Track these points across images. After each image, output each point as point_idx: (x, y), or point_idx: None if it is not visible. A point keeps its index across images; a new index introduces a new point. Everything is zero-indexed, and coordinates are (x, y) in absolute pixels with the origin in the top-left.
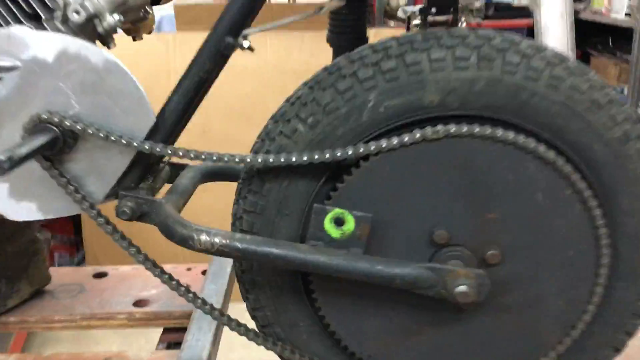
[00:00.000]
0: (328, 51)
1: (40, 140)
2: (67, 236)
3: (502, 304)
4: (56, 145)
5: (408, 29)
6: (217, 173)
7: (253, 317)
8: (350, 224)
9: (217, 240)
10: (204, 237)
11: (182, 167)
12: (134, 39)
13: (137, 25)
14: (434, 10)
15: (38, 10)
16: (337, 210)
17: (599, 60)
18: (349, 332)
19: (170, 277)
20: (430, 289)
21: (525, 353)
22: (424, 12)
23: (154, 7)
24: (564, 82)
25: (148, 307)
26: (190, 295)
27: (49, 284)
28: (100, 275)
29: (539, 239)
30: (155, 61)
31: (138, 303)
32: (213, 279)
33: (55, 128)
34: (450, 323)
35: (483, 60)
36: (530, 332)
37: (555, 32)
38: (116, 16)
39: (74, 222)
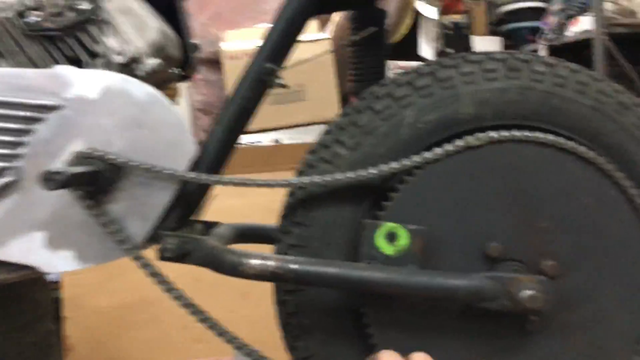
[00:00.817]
0: None
1: (83, 168)
2: None
3: (567, 322)
4: (98, 180)
5: None
6: (250, 233)
7: None
8: (404, 239)
9: (270, 263)
10: (255, 261)
11: (215, 224)
12: None
13: (163, 88)
14: None
15: (79, 55)
16: (389, 225)
17: None
18: None
19: (214, 322)
20: (495, 300)
21: None
22: None
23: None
24: (590, 86)
25: None
26: (237, 340)
27: None
28: None
29: (592, 245)
30: None
31: None
32: None
33: (97, 162)
34: (517, 349)
35: (511, 71)
36: (600, 352)
37: None
38: (157, 60)
39: None
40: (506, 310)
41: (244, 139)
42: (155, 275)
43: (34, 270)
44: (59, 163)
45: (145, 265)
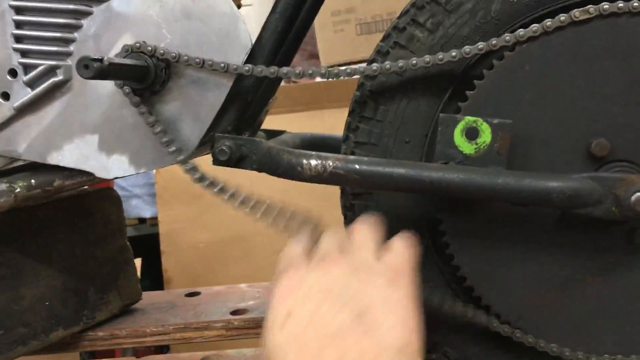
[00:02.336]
0: None
1: (131, 61)
2: None
3: None
4: (147, 77)
5: None
6: (318, 143)
7: None
8: (486, 135)
9: (329, 163)
10: (314, 162)
11: (280, 133)
12: None
13: None
14: None
15: None
16: (468, 119)
17: None
18: (491, 287)
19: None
20: (598, 204)
21: None
22: None
23: None
24: None
25: (246, 314)
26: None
27: (138, 303)
28: (192, 294)
29: None
30: None
31: (235, 312)
32: None
33: (147, 58)
34: (624, 266)
35: None
36: None
37: None
38: None
39: None
40: (612, 218)
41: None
42: (202, 179)
43: (90, 177)
44: None
45: (192, 170)
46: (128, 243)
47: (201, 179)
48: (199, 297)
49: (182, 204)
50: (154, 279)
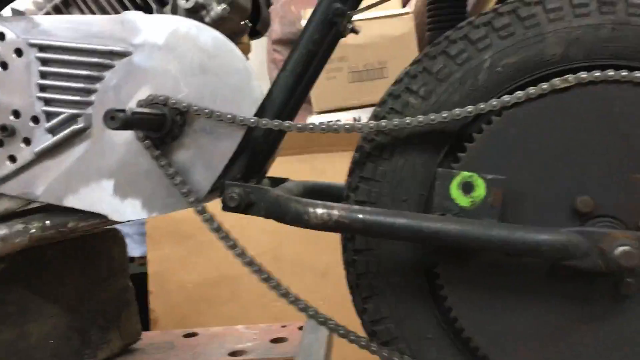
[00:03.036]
0: None
1: (146, 109)
2: None
3: None
4: (163, 126)
5: None
6: (320, 191)
7: (371, 334)
8: (480, 190)
9: (335, 212)
10: (320, 210)
11: (283, 181)
12: None
13: (233, 41)
14: None
15: (149, 2)
16: (465, 174)
17: None
18: (488, 336)
19: (279, 284)
20: (585, 257)
21: None
22: None
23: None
24: None
25: (245, 356)
26: (302, 302)
27: (137, 342)
28: (190, 335)
29: None
30: None
31: (234, 354)
32: (312, 331)
33: (162, 107)
34: (610, 315)
35: (604, 5)
36: None
37: None
38: (223, 5)
39: None
40: (598, 270)
41: (323, 118)
42: (218, 230)
43: (103, 219)
44: None
45: (209, 220)
46: (130, 283)
47: (216, 229)
48: (197, 337)
49: (171, 244)
50: (139, 319)
